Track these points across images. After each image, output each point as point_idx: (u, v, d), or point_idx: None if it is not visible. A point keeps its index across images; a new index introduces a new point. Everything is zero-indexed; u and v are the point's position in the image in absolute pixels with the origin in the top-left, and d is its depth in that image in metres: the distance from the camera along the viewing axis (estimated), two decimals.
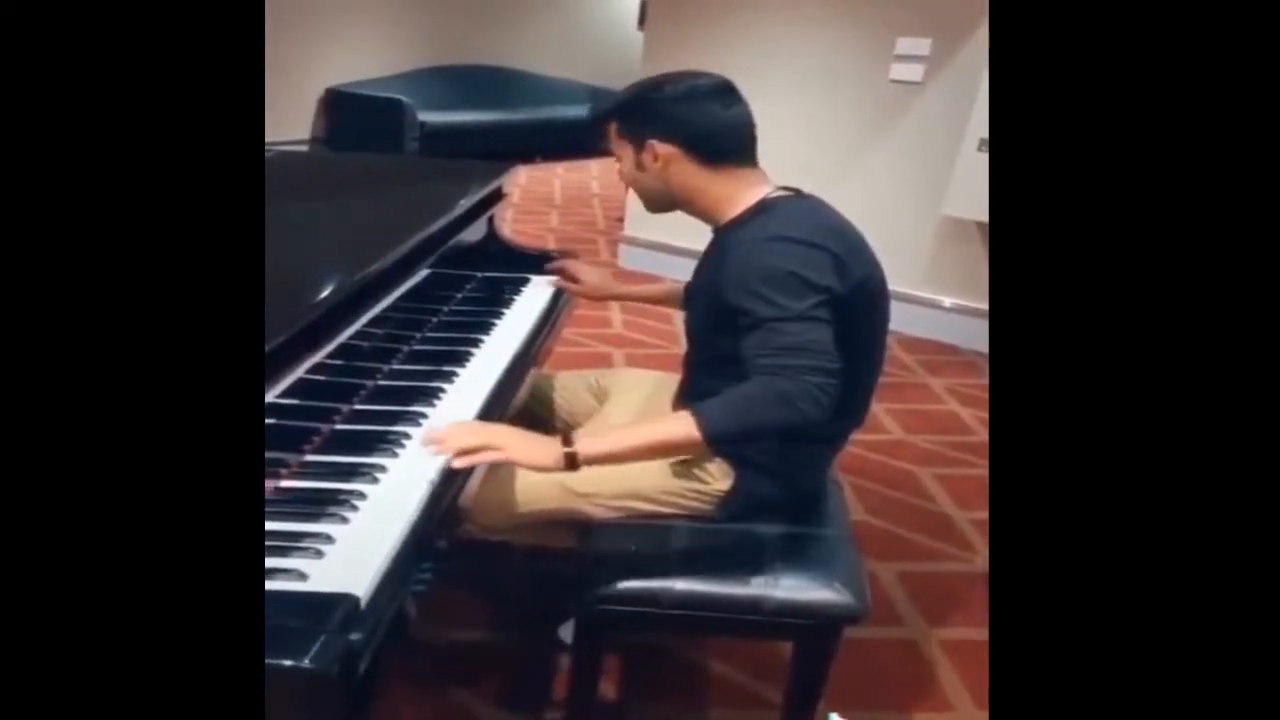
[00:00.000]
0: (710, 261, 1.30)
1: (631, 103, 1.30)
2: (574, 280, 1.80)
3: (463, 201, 1.66)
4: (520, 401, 1.50)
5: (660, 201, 1.34)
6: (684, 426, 1.09)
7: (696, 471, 1.31)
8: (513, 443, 1.13)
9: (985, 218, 3.28)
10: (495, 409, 1.31)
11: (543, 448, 1.13)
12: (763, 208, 1.26)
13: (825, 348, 1.10)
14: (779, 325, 1.11)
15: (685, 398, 1.40)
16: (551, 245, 4.51)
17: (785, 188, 1.31)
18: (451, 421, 1.17)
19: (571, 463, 1.11)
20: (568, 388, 1.68)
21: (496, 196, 1.91)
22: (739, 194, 1.28)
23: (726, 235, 1.27)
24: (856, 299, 1.19)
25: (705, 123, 1.26)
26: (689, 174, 1.28)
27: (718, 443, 1.13)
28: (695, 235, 1.37)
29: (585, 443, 1.12)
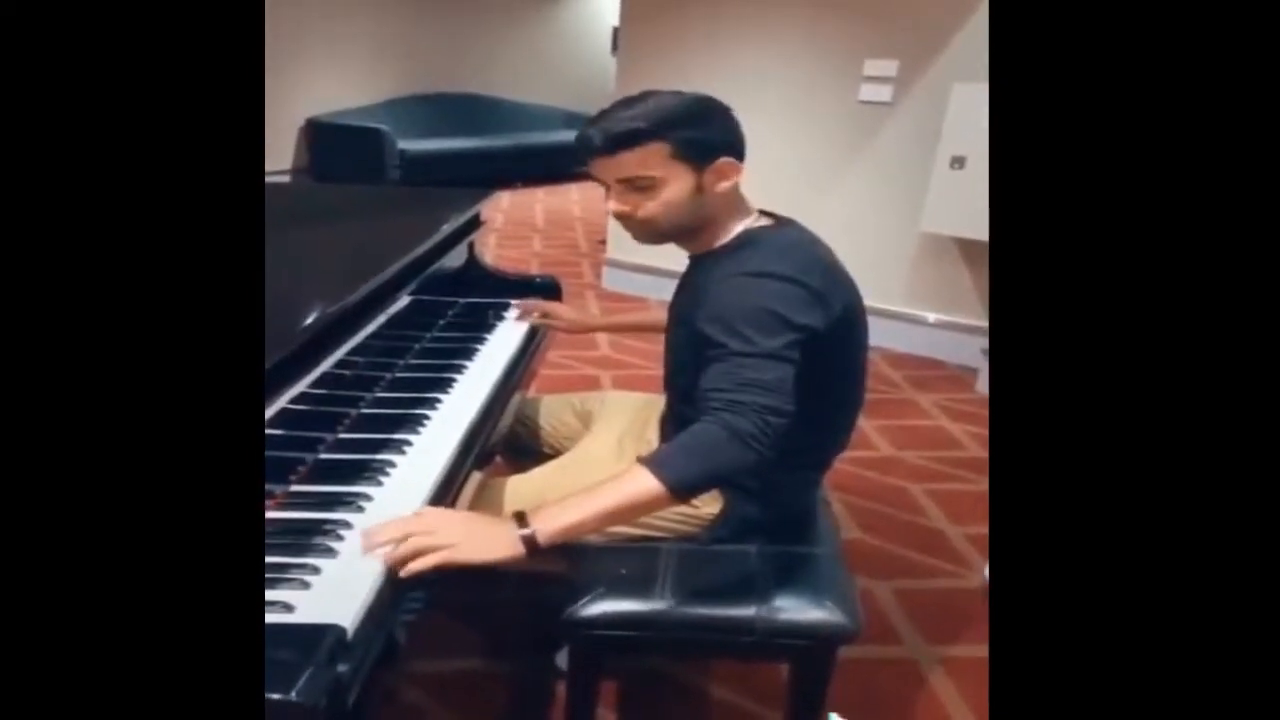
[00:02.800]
0: (691, 290, 1.27)
1: (689, 118, 1.17)
2: (553, 319, 1.77)
3: (441, 229, 1.65)
4: (505, 426, 1.49)
5: (685, 229, 1.23)
6: (647, 484, 1.02)
7: None
8: (462, 538, 0.98)
9: (962, 233, 3.31)
10: (479, 435, 1.30)
11: (497, 538, 1.01)
12: (747, 239, 1.23)
13: (784, 389, 1.07)
14: (745, 361, 1.08)
15: (670, 424, 1.39)
16: (535, 269, 4.51)
17: (764, 212, 1.29)
18: (391, 520, 0.99)
19: (532, 548, 1.01)
20: (553, 411, 1.67)
21: (475, 223, 1.91)
22: (735, 218, 1.25)
23: (708, 265, 1.24)
24: (839, 330, 1.17)
25: (742, 137, 1.21)
26: (736, 193, 1.22)
27: (685, 494, 1.06)
28: (678, 257, 1.36)
29: (543, 520, 1.02)
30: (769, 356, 1.08)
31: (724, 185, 1.19)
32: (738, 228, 1.24)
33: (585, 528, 1.04)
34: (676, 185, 1.17)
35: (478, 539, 1.00)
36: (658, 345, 1.41)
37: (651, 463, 1.04)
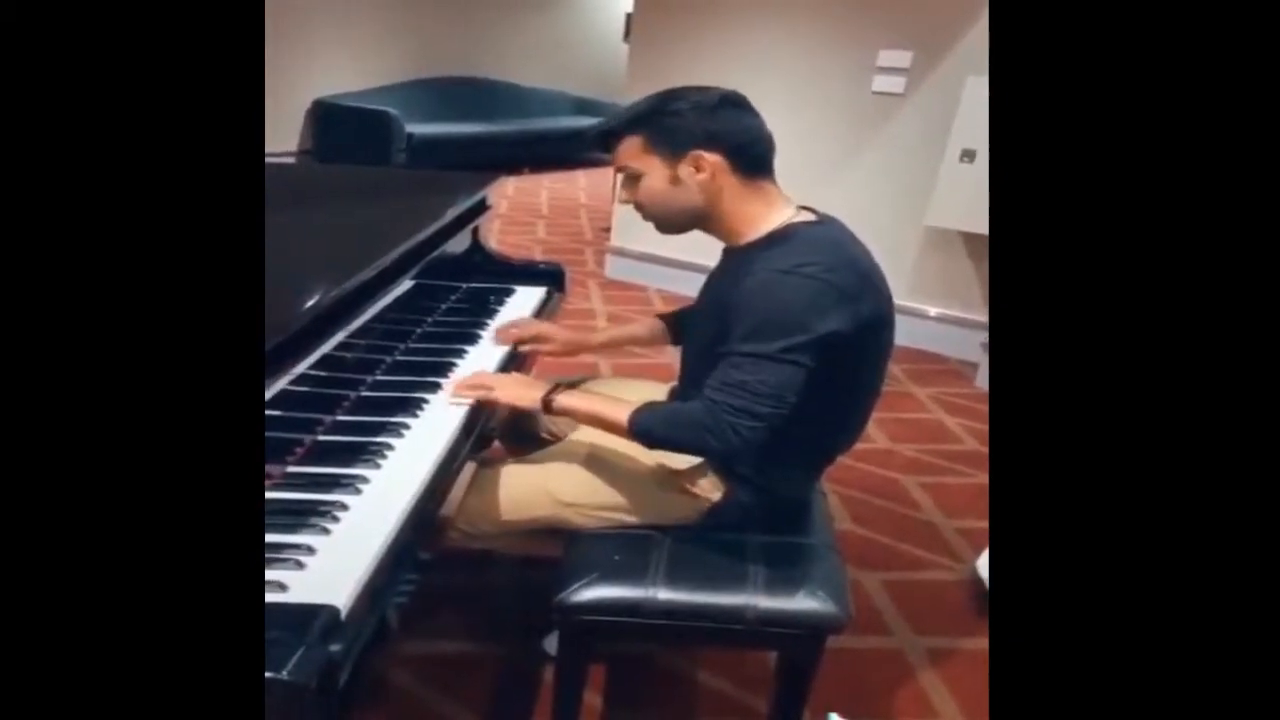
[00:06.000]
0: (720, 283, 1.26)
1: (664, 112, 1.20)
2: (542, 342, 1.65)
3: (446, 213, 1.66)
4: (505, 410, 1.50)
5: (684, 220, 1.26)
6: (622, 417, 1.20)
7: (686, 485, 1.31)
8: (504, 385, 1.33)
9: (967, 228, 3.31)
10: (479, 418, 1.31)
11: (527, 392, 1.31)
12: (784, 235, 1.20)
13: (771, 391, 1.09)
14: (739, 361, 1.11)
15: None
16: (539, 256, 4.51)
17: (805, 207, 1.27)
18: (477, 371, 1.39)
19: (546, 407, 1.27)
20: None
21: (480, 208, 1.92)
22: (764, 213, 1.23)
23: (742, 259, 1.22)
24: (864, 334, 1.16)
25: (747, 130, 1.22)
26: (730, 187, 1.21)
27: (638, 440, 1.22)
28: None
29: (563, 396, 1.28)
30: (766, 358, 1.09)
31: (701, 177, 1.20)
32: (775, 221, 1.23)
33: (580, 416, 1.29)
34: (653, 177, 1.23)
35: (512, 389, 1.33)
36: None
37: (640, 407, 1.20)
